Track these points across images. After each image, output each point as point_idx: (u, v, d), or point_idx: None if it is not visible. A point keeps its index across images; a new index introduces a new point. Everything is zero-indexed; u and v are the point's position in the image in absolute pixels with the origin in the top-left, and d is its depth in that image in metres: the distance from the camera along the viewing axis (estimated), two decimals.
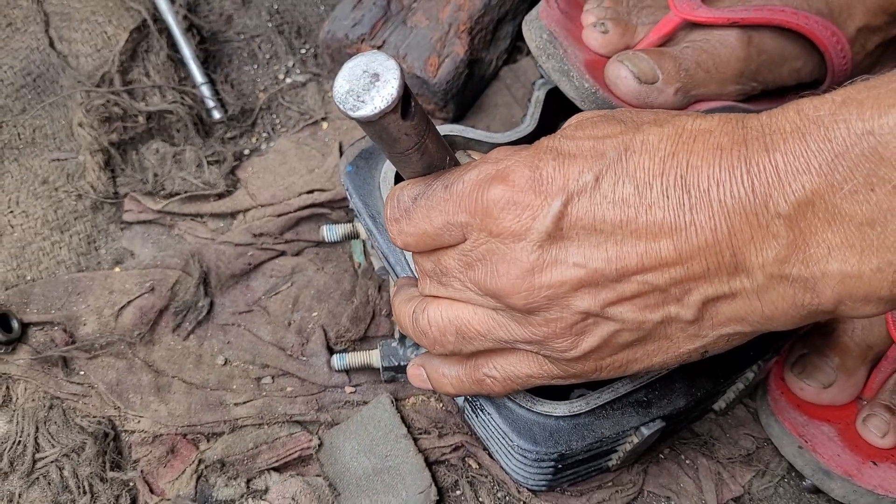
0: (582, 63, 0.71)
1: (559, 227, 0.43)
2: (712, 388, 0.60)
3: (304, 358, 0.74)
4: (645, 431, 0.58)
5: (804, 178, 0.38)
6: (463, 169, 0.48)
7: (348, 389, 0.73)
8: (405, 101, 0.42)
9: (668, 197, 0.41)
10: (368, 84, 0.40)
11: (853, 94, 0.38)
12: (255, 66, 0.92)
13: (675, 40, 0.73)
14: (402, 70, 0.40)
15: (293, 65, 0.92)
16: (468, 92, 0.89)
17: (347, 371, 0.74)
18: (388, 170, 0.68)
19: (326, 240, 0.74)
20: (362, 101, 0.40)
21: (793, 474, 0.70)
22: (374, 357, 0.72)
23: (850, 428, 0.67)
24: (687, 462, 0.70)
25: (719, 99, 0.74)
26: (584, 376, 0.49)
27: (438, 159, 0.49)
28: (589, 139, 0.44)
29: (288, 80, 0.91)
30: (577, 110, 0.77)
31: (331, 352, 0.75)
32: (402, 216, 0.49)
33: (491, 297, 0.47)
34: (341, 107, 0.40)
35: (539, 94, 0.75)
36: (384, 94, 0.40)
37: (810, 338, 0.70)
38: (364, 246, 0.80)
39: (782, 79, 0.76)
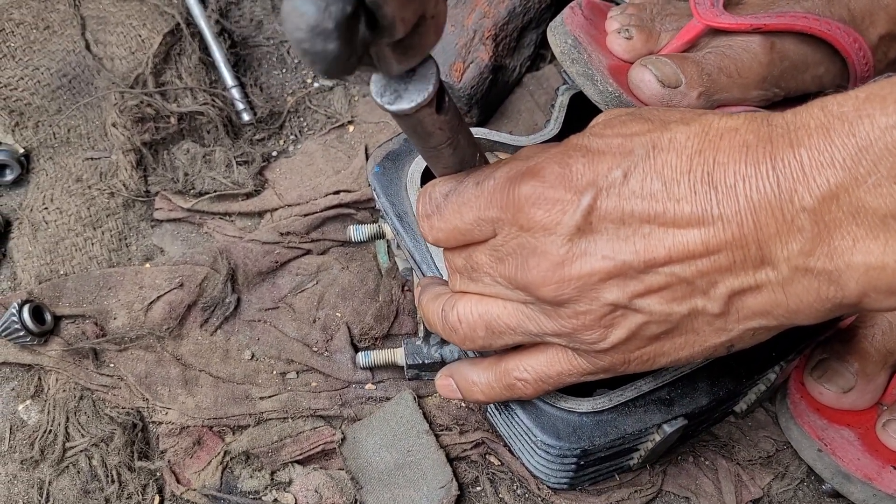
0: (606, 68, 0.72)
1: (588, 222, 0.44)
2: (734, 388, 0.61)
3: (329, 354, 0.76)
4: (667, 429, 0.59)
5: (828, 172, 0.39)
6: (493, 166, 0.49)
7: (371, 386, 0.75)
8: (440, 95, 0.43)
9: (695, 193, 0.42)
10: (405, 78, 0.41)
11: (877, 90, 0.39)
12: (284, 71, 0.94)
13: (699, 46, 0.74)
14: (437, 65, 0.42)
15: None
16: (492, 97, 0.90)
17: (372, 368, 0.75)
18: (414, 171, 0.70)
19: (353, 240, 0.75)
20: (399, 95, 0.41)
21: (812, 478, 0.70)
22: (398, 355, 0.73)
23: (870, 433, 0.67)
24: (706, 463, 0.70)
25: (742, 104, 0.75)
26: (613, 370, 0.50)
27: (469, 156, 0.50)
28: (617, 136, 0.45)
29: (315, 85, 0.93)
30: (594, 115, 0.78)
31: (355, 349, 0.76)
32: (433, 212, 0.50)
33: (521, 291, 0.48)
34: (378, 100, 0.42)
35: (563, 99, 0.76)
36: (420, 87, 0.41)
37: (830, 343, 0.70)
38: (388, 246, 0.81)
39: (805, 85, 0.76)
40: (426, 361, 0.72)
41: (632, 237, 0.44)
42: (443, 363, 0.72)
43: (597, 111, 0.77)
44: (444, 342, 0.72)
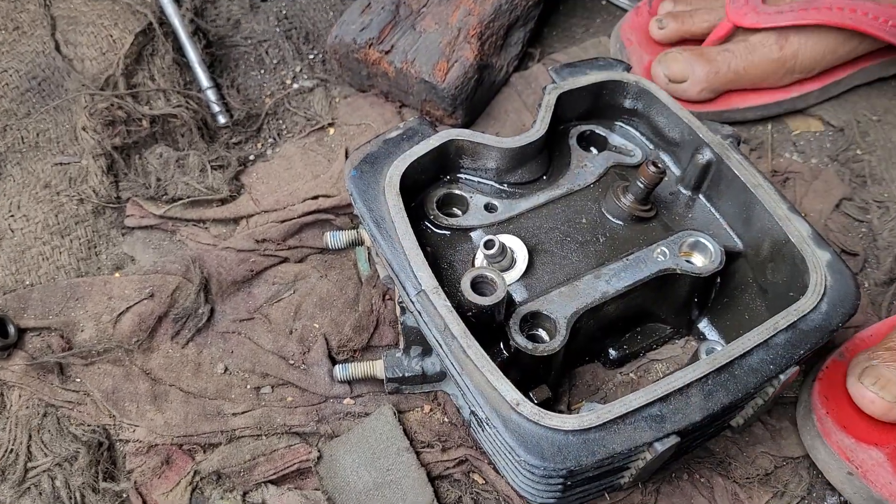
0: (642, 68, 0.88)
1: None
2: (729, 403, 0.58)
3: (305, 367, 0.72)
4: (659, 447, 0.56)
5: None
6: None
7: (349, 401, 0.71)
8: None
9: None
10: None
11: None
12: (262, 71, 0.90)
13: (732, 39, 0.87)
14: None
15: (300, 70, 0.90)
16: (478, 98, 0.87)
17: (350, 382, 0.71)
18: (393, 175, 0.66)
19: (330, 247, 0.72)
20: None
21: (813, 495, 0.67)
22: (377, 368, 0.69)
23: None
24: (702, 481, 0.67)
25: (754, 90, 0.88)
26: None
27: None
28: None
29: (295, 86, 0.89)
30: (581, 115, 0.76)
31: (333, 361, 0.73)
32: None
33: None
34: None
35: (550, 98, 0.73)
36: None
37: (875, 350, 0.66)
38: (368, 253, 0.78)
39: (829, 64, 0.88)
40: (407, 374, 0.68)
41: None
42: (424, 376, 0.69)
43: (580, 111, 0.75)
44: (425, 354, 0.68)
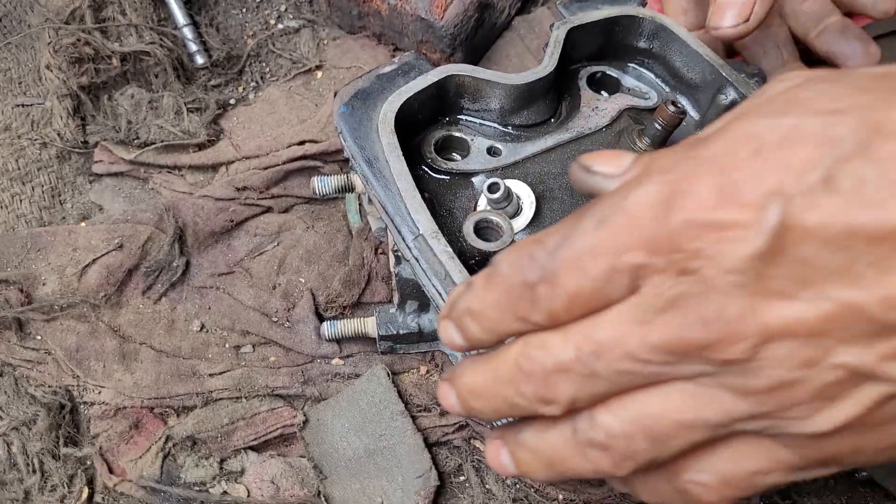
0: None
1: (781, 246, 0.30)
2: None
3: (290, 325, 0.66)
4: None
5: None
6: (616, 196, 0.34)
7: (338, 361, 0.65)
8: None
9: None
10: None
11: None
12: (244, 10, 0.83)
13: None
14: None
15: (285, 9, 0.83)
16: (478, 40, 0.80)
17: (338, 340, 0.65)
18: (387, 111, 0.60)
19: (318, 193, 0.65)
20: None
21: None
22: (369, 325, 0.63)
23: None
24: None
25: None
26: (836, 462, 0.35)
27: None
28: (811, 116, 0.31)
29: (279, 26, 0.82)
30: (592, 56, 0.69)
31: (320, 318, 0.66)
32: (539, 278, 0.35)
33: (689, 362, 0.33)
34: None
35: (559, 34, 0.66)
36: None
37: None
38: (360, 202, 0.72)
39: None
40: (402, 332, 0.62)
41: (860, 269, 0.29)
42: (420, 334, 0.62)
43: (597, 48, 0.68)
44: (421, 310, 0.62)
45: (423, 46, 0.79)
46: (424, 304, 0.62)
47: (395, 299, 0.63)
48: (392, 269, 0.63)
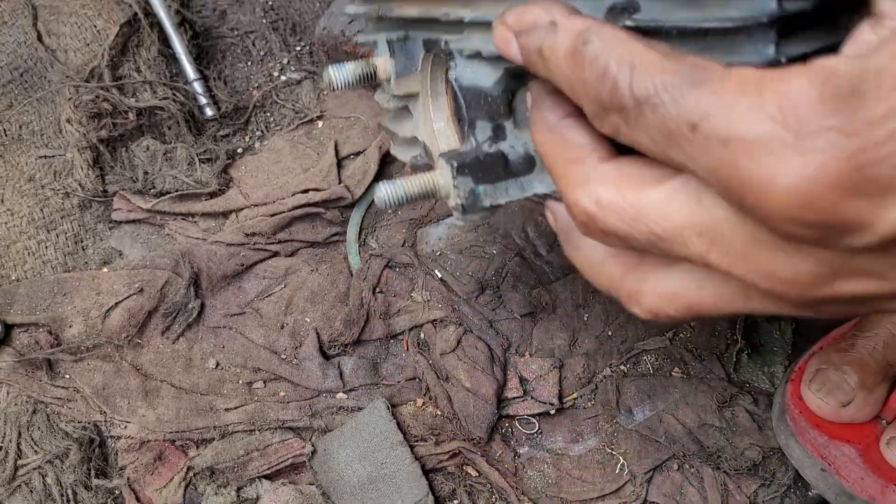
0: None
1: None
2: None
3: (297, 362, 0.72)
4: None
5: None
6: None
7: (342, 395, 0.71)
8: None
9: None
10: None
11: None
12: (249, 63, 0.90)
13: None
14: None
15: (288, 62, 0.90)
16: None
17: (400, 204, 0.42)
18: None
19: (334, 83, 0.51)
20: None
21: (799, 484, 0.68)
22: (439, 177, 0.41)
23: (871, 449, 0.65)
24: (692, 471, 0.68)
25: None
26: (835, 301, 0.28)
27: None
28: None
29: (282, 78, 0.89)
30: None
31: (324, 356, 0.73)
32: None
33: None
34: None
35: None
36: None
37: (827, 353, 0.68)
38: (359, 246, 0.78)
39: None
40: (483, 158, 0.40)
41: None
42: (506, 163, 0.40)
43: None
44: (498, 135, 0.41)
45: None
46: (500, 127, 0.42)
47: (454, 131, 0.48)
48: (448, 79, 0.45)
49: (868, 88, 0.23)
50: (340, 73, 0.50)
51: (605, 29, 0.29)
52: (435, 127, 0.51)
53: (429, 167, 0.49)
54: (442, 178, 0.40)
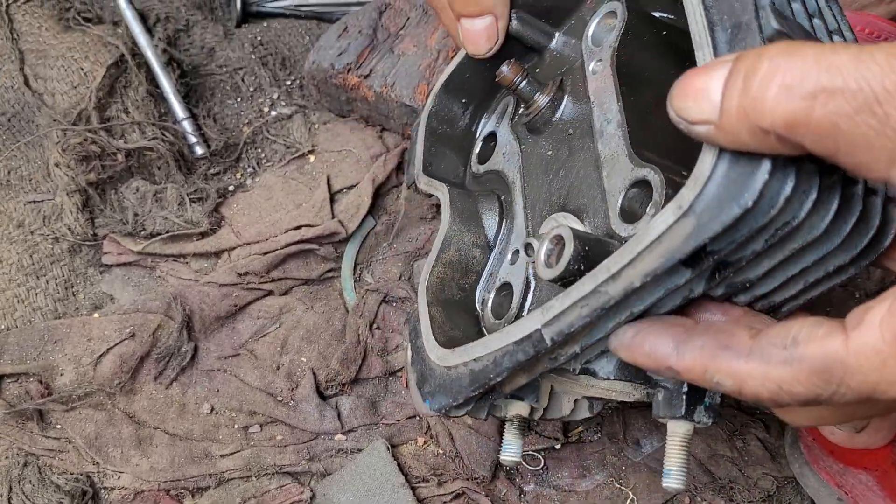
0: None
1: None
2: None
3: (294, 403, 0.70)
4: None
5: None
6: None
7: (340, 436, 0.69)
8: None
9: None
10: None
11: None
12: (239, 100, 0.89)
13: None
14: None
15: (278, 97, 0.89)
16: None
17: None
18: None
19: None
20: None
21: None
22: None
23: (887, 475, 0.62)
24: None
25: None
26: None
27: None
28: None
29: (273, 113, 0.88)
30: None
31: (321, 396, 0.71)
32: None
33: None
34: None
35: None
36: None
37: None
38: (355, 282, 0.76)
39: None
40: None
41: None
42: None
43: None
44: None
45: (408, 128, 0.84)
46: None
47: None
48: None
49: None
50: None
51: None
52: None
53: None
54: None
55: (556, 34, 0.61)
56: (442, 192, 0.61)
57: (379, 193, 0.81)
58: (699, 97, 0.35)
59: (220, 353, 0.73)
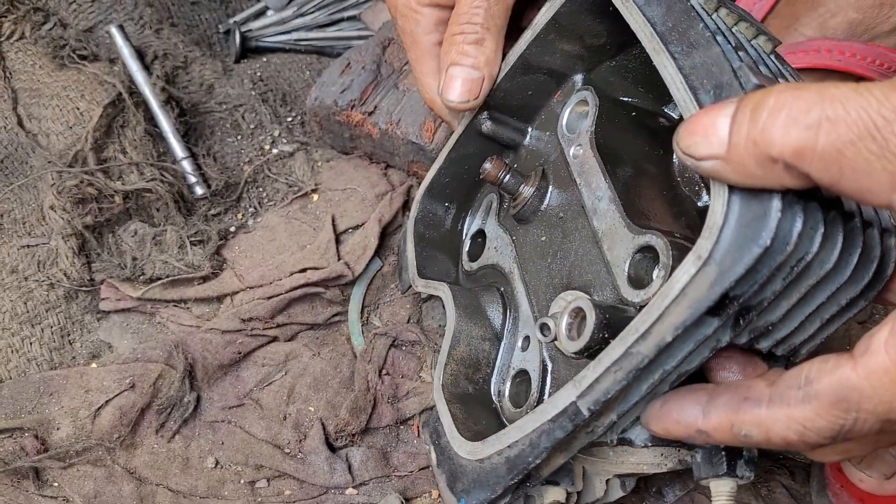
0: None
1: None
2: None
3: (302, 456, 0.68)
4: None
5: None
6: None
7: (352, 490, 0.66)
8: None
9: None
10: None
11: None
12: (240, 137, 0.86)
13: None
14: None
15: (279, 134, 0.87)
16: None
17: None
18: None
19: None
20: None
21: None
22: None
23: None
24: None
25: None
26: None
27: None
28: None
29: (274, 151, 0.86)
30: None
31: (331, 448, 0.68)
32: None
33: None
34: None
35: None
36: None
37: None
38: (363, 326, 0.74)
39: None
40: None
41: None
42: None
43: None
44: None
45: (414, 166, 0.82)
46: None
47: None
48: None
49: None
50: None
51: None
52: None
53: None
54: None
55: (529, 129, 0.65)
56: (443, 290, 0.64)
57: (385, 233, 0.79)
58: (707, 133, 0.37)
59: (224, 404, 0.71)
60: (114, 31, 0.85)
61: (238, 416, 0.70)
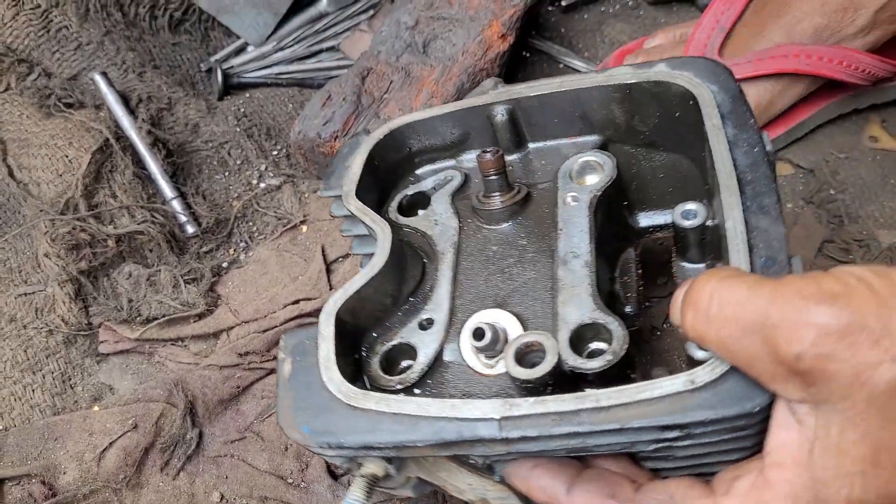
0: None
1: None
2: None
3: (305, 485, 0.69)
4: None
5: None
6: None
7: None
8: None
9: None
10: None
11: None
12: (227, 174, 0.88)
13: None
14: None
15: (266, 168, 0.88)
16: None
17: None
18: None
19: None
20: None
21: None
22: None
23: None
24: None
25: None
26: None
27: None
28: None
29: (262, 185, 0.87)
30: None
31: (333, 476, 0.69)
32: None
33: None
34: None
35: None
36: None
37: None
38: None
39: (784, 107, 0.87)
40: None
41: None
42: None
43: None
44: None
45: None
46: None
47: None
48: None
49: None
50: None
51: None
52: None
53: None
54: None
55: (530, 145, 0.62)
56: (381, 227, 0.56)
57: None
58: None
59: (225, 438, 0.72)
60: (97, 77, 0.87)
61: (240, 449, 0.71)
